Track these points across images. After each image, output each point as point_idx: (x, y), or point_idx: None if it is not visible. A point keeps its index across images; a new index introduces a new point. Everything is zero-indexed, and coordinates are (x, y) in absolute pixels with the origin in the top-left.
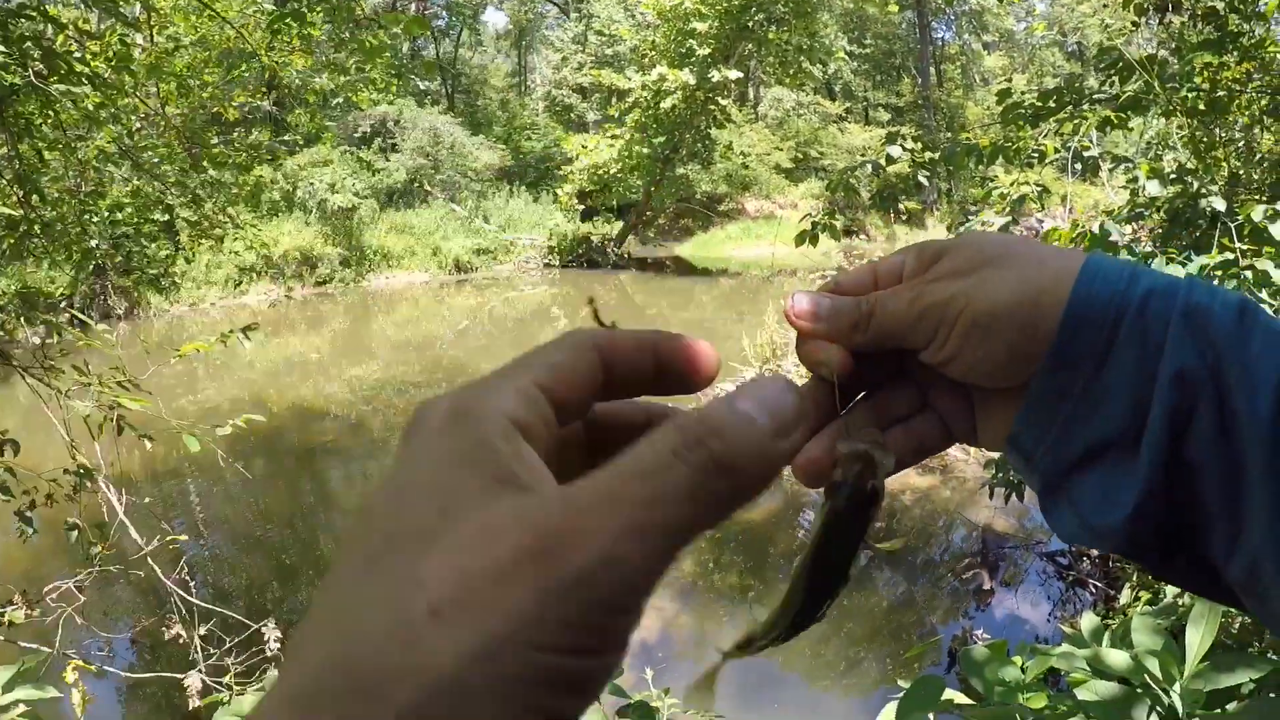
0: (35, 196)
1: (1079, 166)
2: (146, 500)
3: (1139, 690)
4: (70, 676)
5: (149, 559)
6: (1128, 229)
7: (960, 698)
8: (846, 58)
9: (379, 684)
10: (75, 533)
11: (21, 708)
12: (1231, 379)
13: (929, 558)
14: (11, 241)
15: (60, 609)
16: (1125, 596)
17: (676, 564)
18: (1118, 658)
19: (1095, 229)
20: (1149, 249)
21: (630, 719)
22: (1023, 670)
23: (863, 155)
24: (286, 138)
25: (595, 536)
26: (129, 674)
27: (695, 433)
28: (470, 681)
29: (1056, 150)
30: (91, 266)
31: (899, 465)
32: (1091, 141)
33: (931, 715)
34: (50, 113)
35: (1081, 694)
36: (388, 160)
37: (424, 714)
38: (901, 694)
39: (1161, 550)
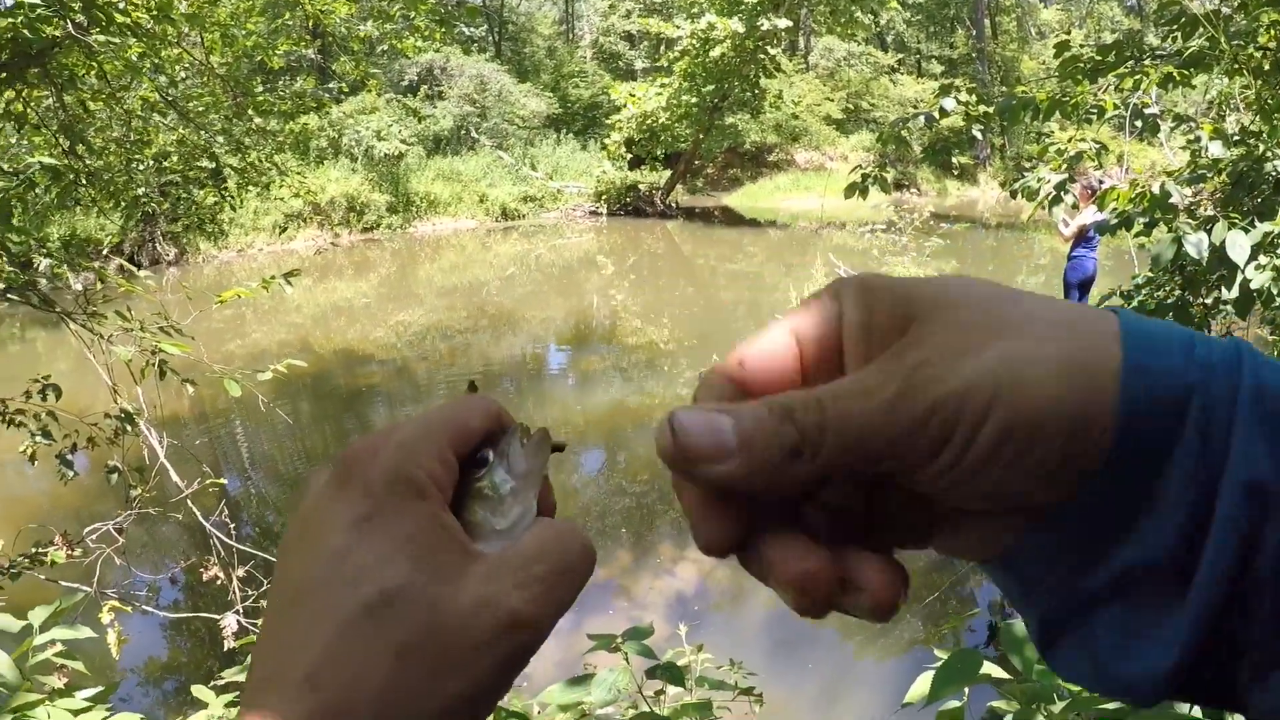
0: (81, 146)
1: (1138, 124)
2: (197, 442)
3: None
4: (105, 617)
5: (189, 501)
6: (1188, 191)
7: (998, 671)
8: (899, 7)
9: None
10: (115, 475)
11: (58, 646)
12: None
13: None
14: (58, 191)
15: (100, 550)
16: None
17: None
18: None
19: (1155, 189)
20: (1210, 213)
21: (659, 679)
22: None
23: (915, 108)
24: (331, 86)
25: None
26: (167, 613)
27: None
28: None
29: (1115, 107)
30: (140, 214)
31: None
32: (1152, 99)
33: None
34: (94, 64)
35: None
36: (434, 108)
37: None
38: (938, 665)
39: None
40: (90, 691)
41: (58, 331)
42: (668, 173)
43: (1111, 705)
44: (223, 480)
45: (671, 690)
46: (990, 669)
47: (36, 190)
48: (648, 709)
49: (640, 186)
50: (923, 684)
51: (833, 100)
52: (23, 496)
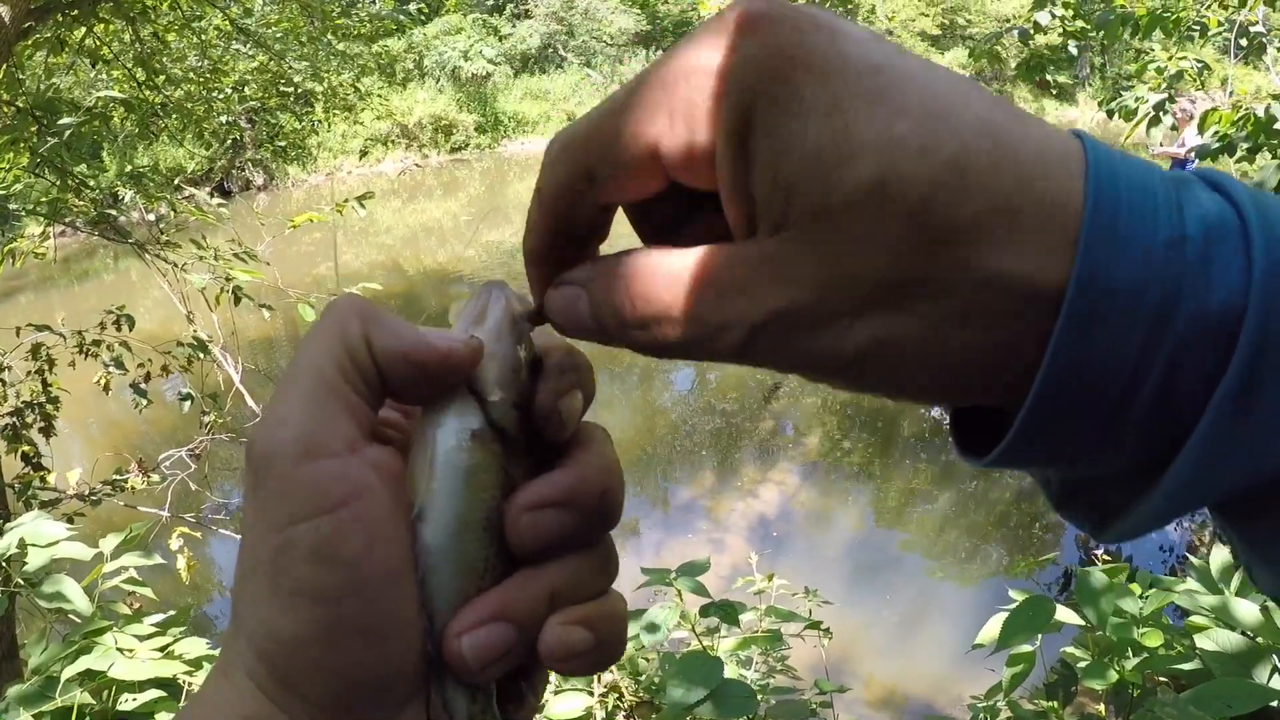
0: (161, 77)
1: (1243, 44)
2: (283, 365)
3: (1264, 646)
4: (175, 543)
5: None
6: None
7: (1073, 617)
8: None
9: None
10: (188, 402)
11: (131, 573)
12: None
13: None
14: (136, 123)
15: (174, 476)
16: None
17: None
18: (1247, 611)
19: (1260, 112)
20: None
21: (712, 617)
22: (1142, 599)
23: (1008, 22)
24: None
25: None
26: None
27: None
28: None
29: (1219, 25)
30: (228, 141)
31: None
32: (1259, 17)
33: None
34: None
35: (1201, 640)
36: (514, 27)
37: None
38: (1011, 608)
39: None
40: (159, 617)
41: (139, 263)
42: None
43: (1187, 666)
44: None
45: (746, 617)
46: (1064, 614)
47: (113, 124)
48: (698, 645)
49: None
50: (993, 627)
51: (928, 16)
52: (118, 422)
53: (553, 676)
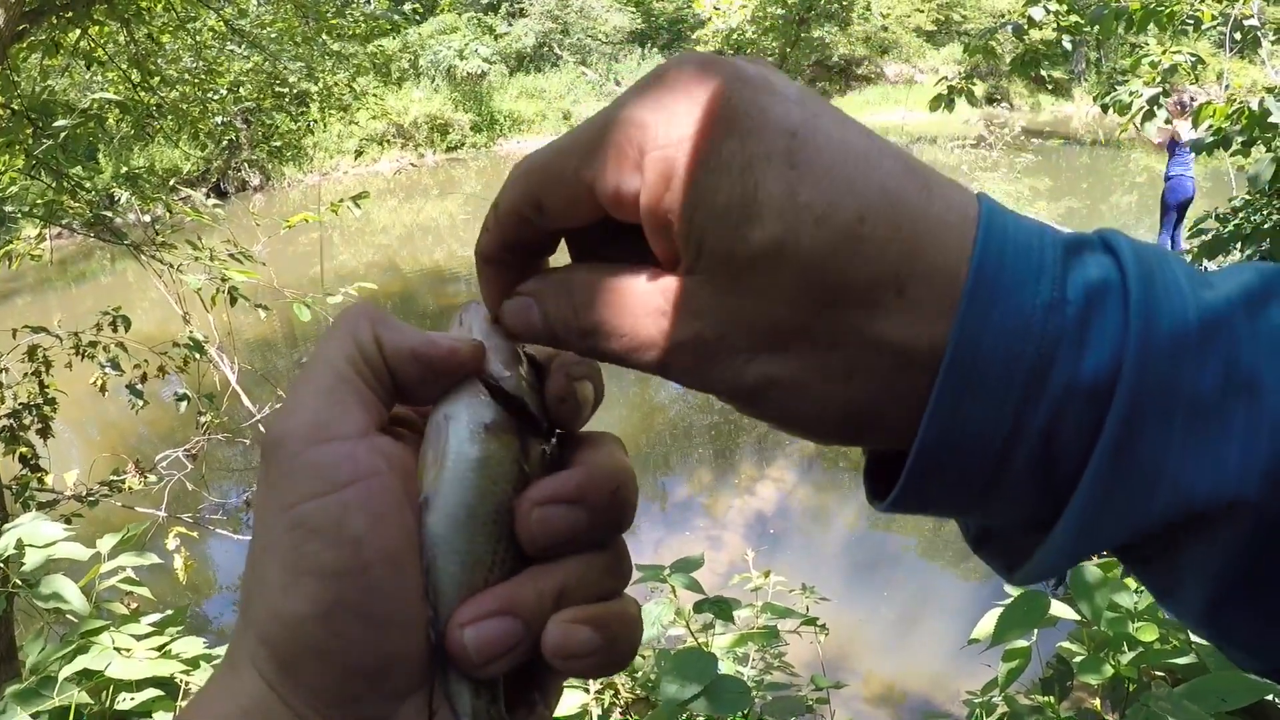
0: (156, 79)
1: (1237, 37)
2: (279, 366)
3: None
4: (171, 542)
5: (260, 425)
6: None
7: (1067, 611)
8: None
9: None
10: (184, 403)
11: (128, 573)
12: None
13: None
14: (131, 124)
15: (170, 476)
16: None
17: None
18: None
19: (1254, 106)
20: None
21: (706, 613)
22: (1137, 592)
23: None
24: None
25: None
26: (240, 536)
27: None
28: None
29: (1213, 18)
30: (223, 142)
31: None
32: (1254, 11)
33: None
34: None
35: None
36: (509, 26)
37: None
38: (1005, 603)
39: None
40: (156, 617)
41: (135, 264)
42: None
43: (1183, 660)
44: None
45: (743, 614)
46: (1060, 609)
47: (108, 125)
48: (693, 642)
49: None
50: (988, 623)
51: (923, 11)
52: (115, 423)
53: None
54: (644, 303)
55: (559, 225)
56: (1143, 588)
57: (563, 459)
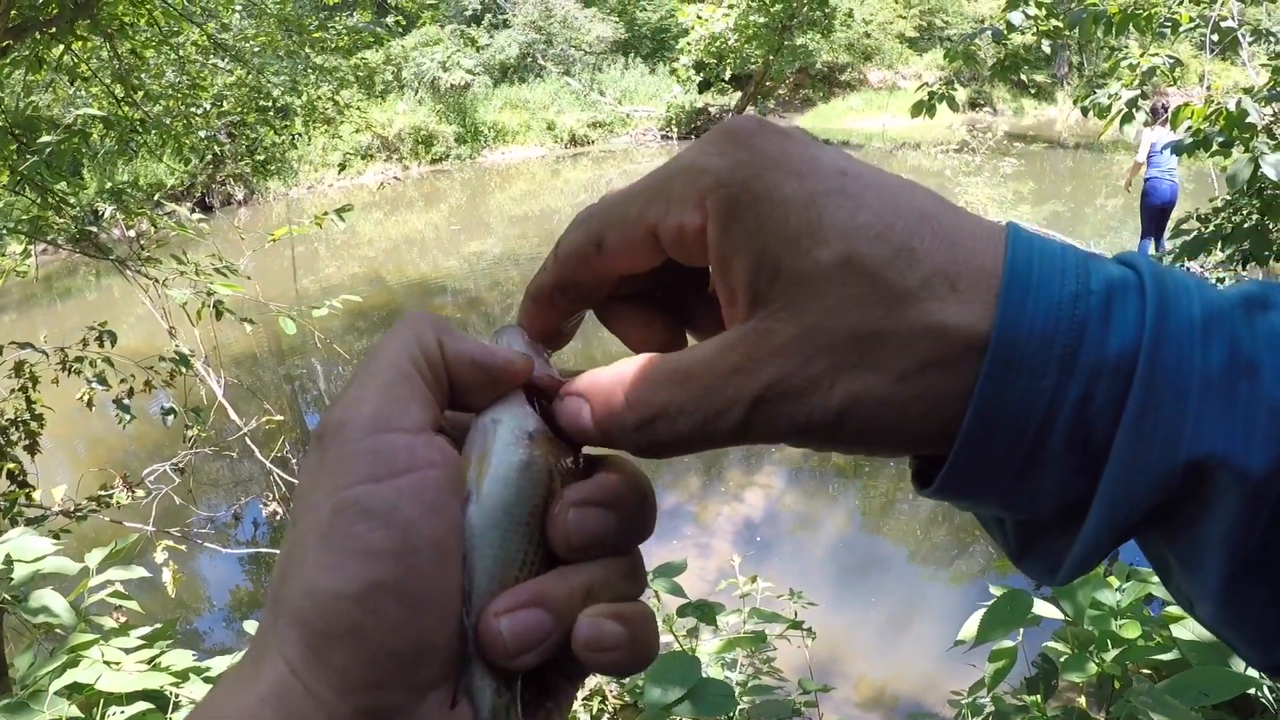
0: (139, 94)
1: (1215, 38)
2: (266, 380)
3: None
4: (160, 556)
5: (247, 439)
6: (1268, 110)
7: (1051, 611)
8: None
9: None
10: (171, 417)
11: (117, 586)
12: None
13: None
14: (115, 139)
15: (158, 490)
16: None
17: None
18: None
19: (1232, 106)
20: None
21: (689, 617)
22: (1120, 590)
23: (985, 24)
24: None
25: None
26: (230, 550)
27: None
28: None
29: (1191, 20)
30: (210, 156)
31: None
32: (1233, 13)
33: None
34: (144, 10)
35: (1177, 630)
36: (492, 38)
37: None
38: (988, 605)
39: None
40: (146, 630)
41: (120, 280)
42: (738, 95)
43: (1166, 656)
44: (279, 417)
45: (730, 620)
46: (1043, 608)
47: (92, 140)
48: (679, 647)
49: (711, 109)
50: (974, 624)
51: (905, 18)
52: (102, 438)
53: None
54: (718, 367)
55: (617, 267)
56: (1128, 585)
57: (588, 473)
